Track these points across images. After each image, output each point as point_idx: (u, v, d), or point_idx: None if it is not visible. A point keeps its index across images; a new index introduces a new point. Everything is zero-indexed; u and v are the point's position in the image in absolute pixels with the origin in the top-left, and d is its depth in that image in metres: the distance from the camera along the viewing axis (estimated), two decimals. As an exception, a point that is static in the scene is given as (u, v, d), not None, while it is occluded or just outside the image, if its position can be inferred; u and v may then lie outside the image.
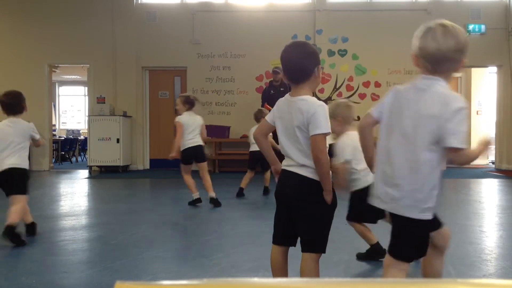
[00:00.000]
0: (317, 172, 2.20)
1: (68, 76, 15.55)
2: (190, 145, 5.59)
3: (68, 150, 13.07)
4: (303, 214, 2.26)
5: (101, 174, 9.60)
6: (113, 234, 4.26)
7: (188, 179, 5.68)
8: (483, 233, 4.37)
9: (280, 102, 2.34)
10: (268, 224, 4.68)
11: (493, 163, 10.62)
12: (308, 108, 2.18)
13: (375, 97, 10.08)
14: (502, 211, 5.62)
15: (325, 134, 2.17)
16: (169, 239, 4.12)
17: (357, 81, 10.15)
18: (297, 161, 2.23)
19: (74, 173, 10.06)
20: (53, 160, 11.31)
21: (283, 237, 2.38)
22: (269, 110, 8.71)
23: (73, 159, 13.41)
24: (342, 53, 10.18)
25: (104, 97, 10.24)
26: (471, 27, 9.97)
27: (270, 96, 8.47)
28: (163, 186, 7.87)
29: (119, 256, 3.51)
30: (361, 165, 2.98)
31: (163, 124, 10.56)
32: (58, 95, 16.77)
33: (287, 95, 2.33)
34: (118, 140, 9.65)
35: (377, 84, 10.17)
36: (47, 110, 10.48)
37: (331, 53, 10.16)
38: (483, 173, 9.51)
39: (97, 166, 9.94)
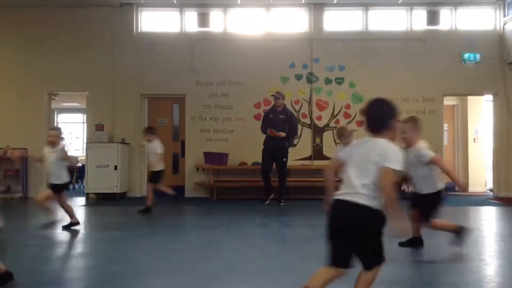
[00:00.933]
0: (383, 199, 2.49)
1: (67, 104, 15.62)
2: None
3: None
4: (364, 242, 2.56)
5: (98, 202, 9.54)
6: (109, 263, 4.21)
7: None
8: (482, 262, 4.34)
9: (357, 142, 2.80)
10: (265, 252, 4.64)
11: (491, 190, 10.60)
12: (384, 146, 2.58)
13: (372, 125, 10.13)
14: (502, 239, 5.59)
15: (394, 170, 2.50)
16: (166, 267, 4.07)
17: (354, 109, 10.21)
18: (357, 189, 2.53)
19: (71, 200, 9.98)
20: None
21: (342, 260, 2.60)
22: (273, 135, 8.79)
23: (70, 186, 13.33)
24: (339, 81, 10.28)
25: (103, 125, 10.27)
26: (466, 56, 10.11)
27: (269, 120, 8.52)
28: (160, 214, 7.81)
29: (115, 286, 3.46)
30: None
31: (161, 151, 10.56)
32: (57, 123, 16.80)
33: (366, 137, 2.72)
34: (115, 167, 9.63)
35: (374, 112, 10.23)
36: (45, 137, 10.47)
37: (328, 81, 10.26)
38: (482, 200, 9.48)
39: (94, 193, 9.89)
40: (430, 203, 4.39)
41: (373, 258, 2.58)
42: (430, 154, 4.35)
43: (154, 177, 7.63)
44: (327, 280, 2.60)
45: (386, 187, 2.47)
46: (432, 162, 4.33)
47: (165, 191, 7.79)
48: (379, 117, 2.71)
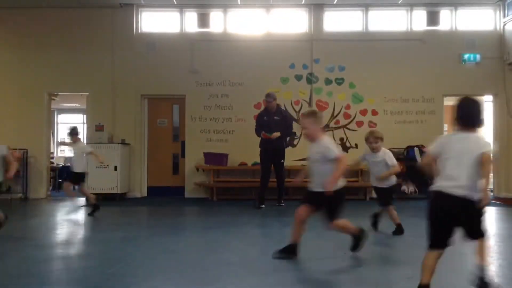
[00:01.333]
0: (481, 174, 2.93)
1: (67, 104, 15.62)
2: None
3: (65, 178, 13.00)
4: (472, 223, 3.03)
5: (98, 202, 9.51)
6: (109, 263, 4.21)
7: None
8: (482, 262, 4.33)
9: (451, 137, 3.13)
10: (266, 253, 4.64)
11: (491, 191, 10.60)
12: (483, 141, 3.03)
13: (372, 125, 10.13)
14: (502, 239, 5.59)
15: (490, 153, 2.94)
16: (166, 268, 4.07)
17: (354, 109, 10.23)
18: (461, 182, 2.91)
19: (70, 201, 9.98)
20: (51, 188, 11.25)
21: (445, 242, 3.04)
22: (267, 138, 8.60)
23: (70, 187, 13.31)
24: (339, 81, 10.29)
25: (103, 125, 10.28)
26: (466, 56, 10.12)
27: (264, 122, 8.41)
28: (160, 214, 7.82)
29: (115, 286, 3.46)
30: None
31: (161, 151, 10.58)
32: (57, 123, 16.82)
33: (457, 133, 3.07)
34: (116, 168, 9.64)
35: (374, 112, 10.25)
36: (45, 138, 10.50)
37: (328, 81, 10.27)
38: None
39: (94, 193, 9.87)
40: (333, 201, 4.12)
41: (479, 230, 3.08)
42: (336, 151, 4.11)
43: (76, 178, 7.54)
44: (434, 265, 2.98)
45: (487, 166, 2.91)
46: (336, 160, 4.06)
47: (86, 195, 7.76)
48: (475, 114, 3.05)
